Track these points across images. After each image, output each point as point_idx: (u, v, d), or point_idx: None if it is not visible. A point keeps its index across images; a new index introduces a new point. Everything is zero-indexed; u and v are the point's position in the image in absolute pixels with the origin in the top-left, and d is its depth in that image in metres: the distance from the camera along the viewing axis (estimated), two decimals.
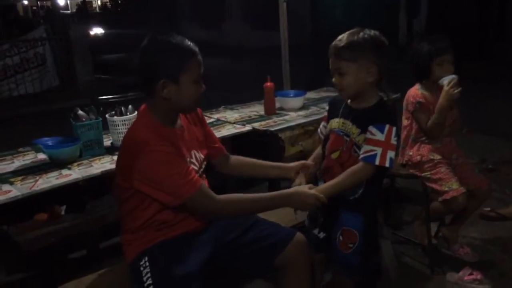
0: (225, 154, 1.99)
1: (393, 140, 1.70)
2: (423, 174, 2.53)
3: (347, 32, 1.75)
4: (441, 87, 2.39)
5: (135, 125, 1.68)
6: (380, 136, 1.69)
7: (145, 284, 1.60)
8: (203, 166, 1.83)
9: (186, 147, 1.71)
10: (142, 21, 13.36)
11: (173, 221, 1.67)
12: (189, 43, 1.62)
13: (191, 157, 1.73)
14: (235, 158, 2.01)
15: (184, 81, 1.59)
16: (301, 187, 1.74)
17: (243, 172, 2.01)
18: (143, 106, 1.71)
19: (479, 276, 2.42)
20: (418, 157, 2.53)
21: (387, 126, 1.69)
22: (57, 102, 7.19)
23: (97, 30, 14.42)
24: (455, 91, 2.33)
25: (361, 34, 1.72)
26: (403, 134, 2.66)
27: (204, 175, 1.83)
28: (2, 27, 8.51)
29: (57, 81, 8.22)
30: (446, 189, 2.41)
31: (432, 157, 2.50)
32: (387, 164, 1.68)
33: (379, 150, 1.67)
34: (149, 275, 1.61)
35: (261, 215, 1.86)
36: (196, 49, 1.63)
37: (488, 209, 3.11)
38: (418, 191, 2.78)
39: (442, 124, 2.43)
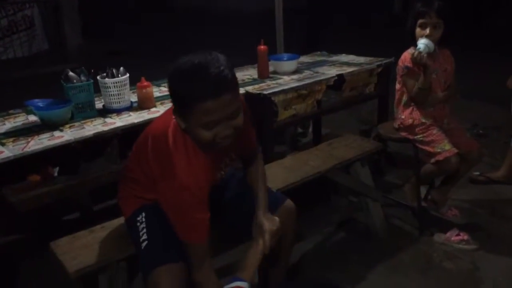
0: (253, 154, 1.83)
1: None
2: (415, 137, 2.55)
3: None
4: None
5: (168, 132, 1.48)
6: None
7: (141, 239, 1.62)
8: (232, 163, 1.74)
9: (216, 162, 1.61)
10: None
11: None
12: (209, 82, 1.31)
13: (220, 170, 1.66)
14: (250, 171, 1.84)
15: (191, 122, 1.38)
16: None
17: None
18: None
19: (465, 237, 2.49)
20: (410, 120, 2.55)
21: None
22: (46, 66, 7.08)
23: None
24: (417, 56, 2.34)
25: None
26: (396, 98, 2.67)
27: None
28: None
29: (46, 44, 8.08)
30: (439, 150, 2.44)
31: (424, 121, 2.52)
32: None
33: None
34: (144, 230, 1.63)
35: None
36: (216, 90, 1.31)
37: (478, 173, 3.17)
38: (409, 155, 2.81)
39: (426, 90, 2.43)
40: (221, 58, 1.36)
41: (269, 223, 1.66)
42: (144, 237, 1.62)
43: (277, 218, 1.71)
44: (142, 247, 1.61)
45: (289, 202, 1.83)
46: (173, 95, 1.39)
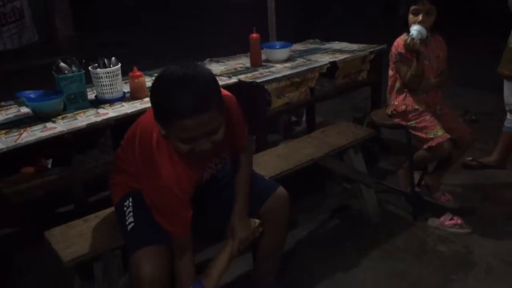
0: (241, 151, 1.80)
1: None
2: (408, 123, 2.56)
3: None
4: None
5: (154, 131, 1.46)
6: None
7: (127, 222, 1.63)
8: (222, 161, 1.73)
9: (204, 163, 1.61)
10: None
11: None
12: (189, 100, 1.27)
13: (208, 168, 1.65)
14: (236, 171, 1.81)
15: (170, 134, 1.37)
16: None
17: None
18: None
19: (459, 221, 2.51)
20: (403, 107, 2.55)
21: None
22: (37, 58, 7.01)
23: None
24: (410, 42, 2.34)
25: None
26: (388, 84, 2.67)
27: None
28: None
29: (36, 36, 7.97)
30: (432, 136, 2.46)
31: (417, 107, 2.53)
32: None
33: None
34: (131, 214, 1.65)
35: None
36: (196, 109, 1.28)
37: (470, 158, 3.19)
38: (402, 141, 2.83)
39: (418, 76, 2.44)
40: (205, 74, 1.34)
41: (241, 229, 1.69)
42: (130, 219, 1.63)
43: (254, 222, 1.73)
44: (128, 230, 1.63)
45: (281, 190, 1.83)
46: (154, 105, 1.37)
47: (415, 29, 2.37)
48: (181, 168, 1.48)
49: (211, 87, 1.34)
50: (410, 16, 2.44)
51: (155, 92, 1.35)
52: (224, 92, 1.56)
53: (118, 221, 1.71)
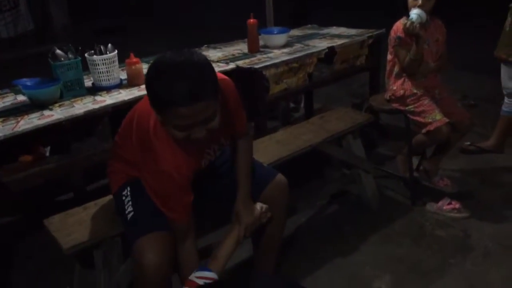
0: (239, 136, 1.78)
1: None
2: (406, 108, 2.56)
3: None
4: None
5: (152, 115, 1.43)
6: None
7: (126, 212, 1.63)
8: (221, 148, 1.72)
9: (202, 149, 1.60)
10: None
11: None
12: (184, 88, 1.25)
13: (206, 154, 1.63)
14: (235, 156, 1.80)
15: (164, 120, 1.35)
16: None
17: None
18: None
19: (457, 206, 2.52)
20: (402, 91, 2.55)
21: None
22: (33, 47, 6.96)
23: None
24: (409, 26, 2.33)
25: None
26: (387, 69, 2.66)
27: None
28: None
29: (32, 25, 7.90)
30: (430, 120, 2.46)
31: (415, 91, 2.52)
32: None
33: None
34: (130, 203, 1.64)
35: None
36: (191, 98, 1.26)
37: (468, 143, 3.20)
38: (401, 127, 2.83)
39: (417, 60, 2.43)
40: (201, 61, 1.32)
41: (247, 214, 1.68)
42: (130, 209, 1.63)
43: (258, 206, 1.72)
44: (128, 219, 1.62)
45: (280, 177, 1.82)
46: (148, 92, 1.34)
47: (414, 13, 2.36)
48: (180, 153, 1.48)
49: (207, 74, 1.32)
50: (410, 0, 2.42)
51: (149, 80, 1.33)
52: (221, 76, 1.54)
53: (117, 211, 1.70)
